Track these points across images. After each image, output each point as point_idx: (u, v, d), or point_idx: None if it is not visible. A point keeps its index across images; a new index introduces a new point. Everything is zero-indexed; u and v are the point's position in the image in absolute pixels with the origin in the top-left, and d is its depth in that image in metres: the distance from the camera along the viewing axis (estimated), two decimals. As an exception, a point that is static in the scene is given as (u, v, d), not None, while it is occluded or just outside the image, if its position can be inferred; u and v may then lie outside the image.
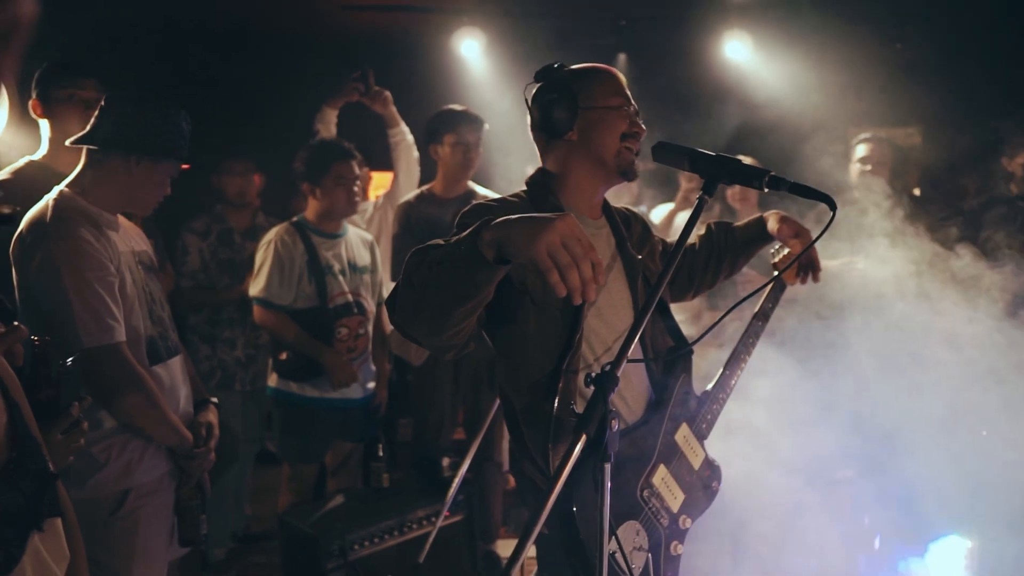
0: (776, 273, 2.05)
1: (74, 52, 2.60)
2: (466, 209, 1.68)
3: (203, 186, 3.86)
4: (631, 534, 1.61)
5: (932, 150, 5.41)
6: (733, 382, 1.90)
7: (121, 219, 2.10)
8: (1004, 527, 2.91)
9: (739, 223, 2.12)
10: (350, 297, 3.15)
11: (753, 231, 2.05)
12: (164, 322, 2.10)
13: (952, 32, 4.55)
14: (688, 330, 2.29)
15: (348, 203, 3.13)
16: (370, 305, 3.24)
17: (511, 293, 1.59)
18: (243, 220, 3.81)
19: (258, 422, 3.81)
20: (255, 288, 3.11)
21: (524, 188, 1.77)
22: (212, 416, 2.18)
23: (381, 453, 3.13)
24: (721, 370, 1.91)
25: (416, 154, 3.80)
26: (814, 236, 1.61)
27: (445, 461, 3.36)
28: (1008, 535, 2.91)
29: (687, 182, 4.13)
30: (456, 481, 2.79)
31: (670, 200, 4.38)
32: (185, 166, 2.12)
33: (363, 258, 3.26)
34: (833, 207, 1.43)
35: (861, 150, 4.00)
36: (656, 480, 1.70)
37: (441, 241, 1.43)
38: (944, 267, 3.32)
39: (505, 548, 3.61)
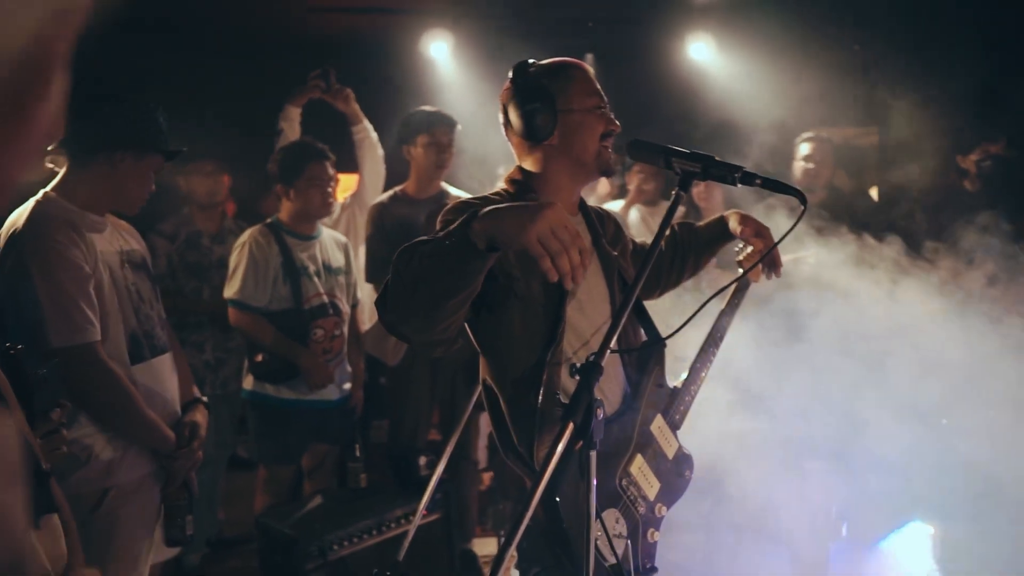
0: (741, 272, 2.11)
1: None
2: (450, 206, 1.70)
3: (167, 187, 3.81)
4: (611, 522, 1.65)
5: (890, 149, 5.58)
6: (703, 375, 1.96)
7: (113, 219, 2.11)
8: (965, 513, 3.02)
9: (701, 223, 2.18)
10: (325, 298, 3.15)
11: (715, 230, 2.12)
12: (152, 321, 2.10)
13: (909, 33, 4.69)
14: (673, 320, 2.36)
15: (323, 204, 3.13)
16: (345, 306, 3.24)
17: (495, 288, 1.62)
18: (212, 223, 3.77)
19: (229, 426, 3.78)
20: (230, 290, 3.09)
21: (503, 187, 1.79)
22: (199, 416, 2.18)
23: (358, 454, 3.13)
24: (691, 363, 1.96)
25: (381, 152, 3.81)
26: (781, 232, 1.67)
27: (422, 460, 3.37)
28: (969, 521, 3.02)
29: (638, 175, 4.19)
30: (433, 480, 2.81)
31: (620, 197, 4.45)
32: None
33: (337, 259, 3.25)
34: (804, 201, 1.48)
35: (804, 149, 4.12)
36: (634, 469, 1.74)
37: (427, 238, 1.46)
38: (900, 261, 3.43)
39: (481, 546, 3.63)
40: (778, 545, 3.10)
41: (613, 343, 1.34)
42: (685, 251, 2.11)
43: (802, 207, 1.48)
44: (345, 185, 4.56)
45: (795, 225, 1.51)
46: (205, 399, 2.25)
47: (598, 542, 1.55)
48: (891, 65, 4.72)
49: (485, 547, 3.66)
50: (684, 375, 1.95)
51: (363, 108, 3.93)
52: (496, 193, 1.78)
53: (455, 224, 1.39)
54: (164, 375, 2.09)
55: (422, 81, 4.94)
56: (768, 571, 3.05)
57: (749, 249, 2.22)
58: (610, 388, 1.77)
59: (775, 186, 1.51)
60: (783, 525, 3.06)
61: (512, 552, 1.18)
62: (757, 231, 2.03)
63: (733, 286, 2.07)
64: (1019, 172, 3.69)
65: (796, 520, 3.13)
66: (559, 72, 1.74)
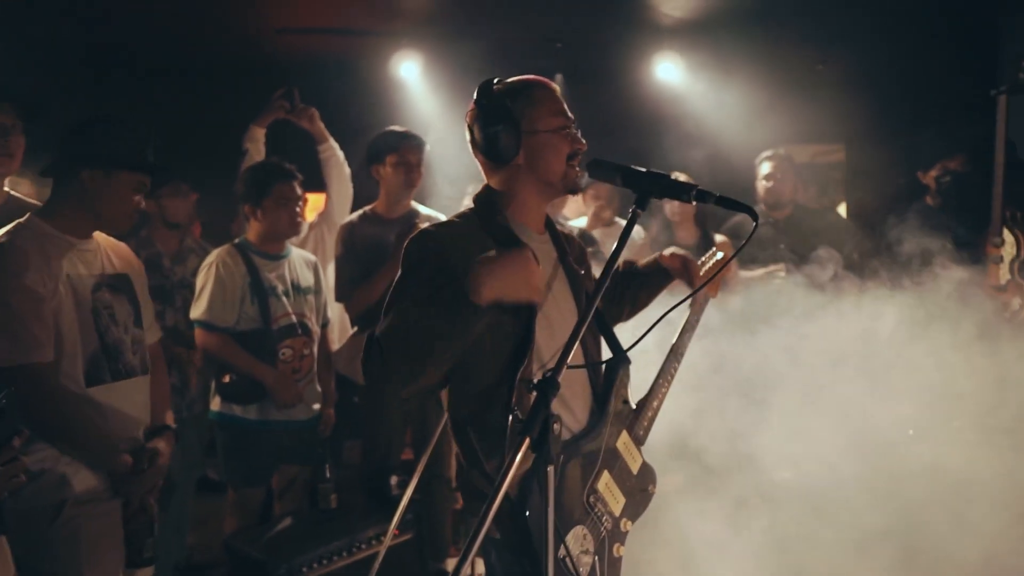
0: (692, 292, 2.14)
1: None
2: (411, 238, 1.72)
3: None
4: (579, 539, 1.66)
5: (856, 166, 5.69)
6: (665, 390, 1.99)
7: (105, 240, 2.14)
8: (936, 523, 3.06)
9: (641, 261, 2.23)
10: (294, 318, 3.14)
11: (650, 266, 2.17)
12: (123, 344, 2.09)
13: (871, 51, 4.81)
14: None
15: (290, 224, 3.13)
16: (314, 326, 3.23)
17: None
18: (171, 243, 3.70)
19: (196, 448, 3.73)
20: (196, 310, 3.07)
21: (470, 206, 1.81)
22: (162, 444, 2.16)
23: (328, 474, 3.11)
24: (654, 379, 1.99)
25: (348, 170, 3.82)
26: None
27: (393, 480, 3.36)
28: (940, 530, 3.06)
29: (595, 202, 4.25)
30: (404, 499, 2.80)
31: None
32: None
33: (307, 279, 3.25)
34: (755, 218, 1.51)
35: (765, 167, 4.24)
36: (600, 486, 1.75)
37: (409, 302, 1.58)
38: (865, 276, 3.50)
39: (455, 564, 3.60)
40: (751, 560, 3.12)
41: (571, 359, 1.36)
42: (623, 290, 2.16)
43: (754, 224, 1.51)
44: (313, 205, 4.57)
45: (747, 242, 1.54)
46: (174, 426, 2.23)
47: (564, 560, 1.56)
48: (854, 83, 4.83)
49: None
50: (647, 391, 1.97)
51: (333, 128, 3.95)
52: (460, 215, 1.80)
53: (449, 290, 1.52)
54: (127, 399, 2.07)
55: (392, 101, 4.97)
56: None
57: (708, 253, 2.30)
58: (578, 406, 1.78)
59: (729, 204, 1.54)
60: (757, 537, 3.08)
61: (468, 569, 1.18)
62: (682, 263, 2.11)
63: (689, 300, 2.11)
64: (976, 187, 3.78)
65: (768, 533, 3.15)
66: (523, 92, 1.75)
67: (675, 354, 2.05)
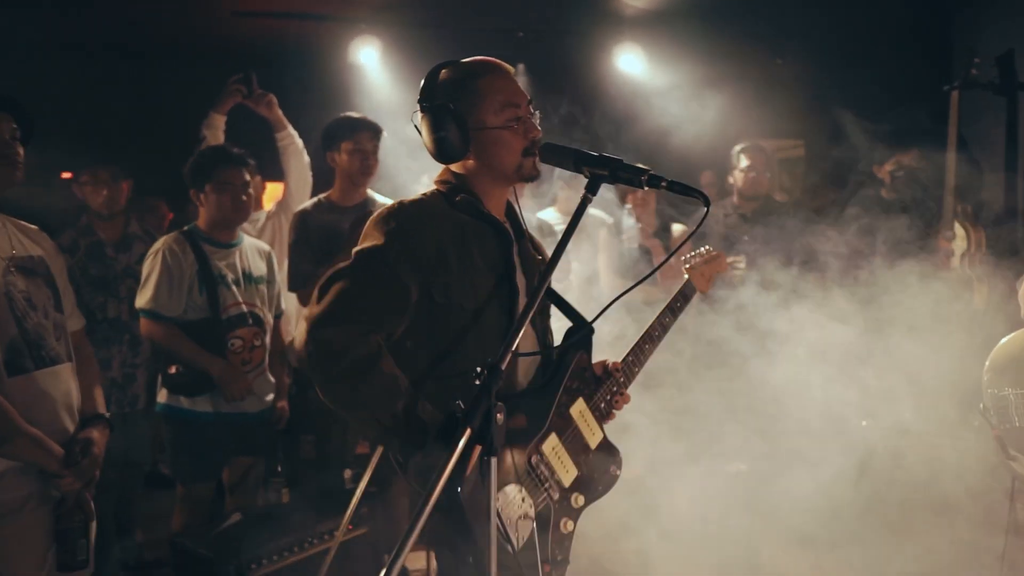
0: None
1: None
2: (376, 221, 1.70)
3: (61, 196, 3.65)
4: (515, 499, 1.60)
5: (814, 161, 5.75)
6: (636, 370, 1.97)
7: (13, 222, 2.03)
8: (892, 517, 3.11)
9: None
10: (244, 308, 3.06)
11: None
12: (44, 330, 1.98)
13: (828, 47, 4.86)
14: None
15: (234, 210, 3.04)
16: (267, 316, 3.15)
17: (429, 307, 1.64)
18: (114, 231, 3.54)
19: (143, 443, 3.62)
20: (142, 299, 2.97)
21: (435, 188, 1.78)
22: (95, 433, 2.06)
23: (280, 468, 3.04)
24: (624, 357, 1.96)
25: (307, 159, 3.75)
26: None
27: (347, 473, 3.29)
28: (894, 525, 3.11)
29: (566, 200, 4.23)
30: (358, 493, 2.74)
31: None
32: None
33: (259, 268, 3.17)
34: (707, 203, 1.50)
35: (743, 159, 4.24)
36: (547, 448, 1.70)
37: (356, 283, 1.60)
38: (826, 270, 3.53)
39: (413, 560, 3.56)
40: (711, 551, 3.13)
41: (528, 343, 1.33)
42: None
43: (705, 209, 1.49)
44: (272, 194, 4.47)
45: (698, 227, 1.52)
46: (107, 415, 2.13)
47: (499, 518, 1.51)
48: (811, 79, 4.88)
49: (417, 561, 3.59)
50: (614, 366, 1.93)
51: (291, 114, 3.86)
52: (427, 194, 1.77)
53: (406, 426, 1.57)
54: (53, 388, 1.97)
55: (350, 88, 4.88)
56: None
57: (700, 254, 2.31)
58: (524, 371, 1.75)
59: (680, 188, 1.52)
60: (714, 529, 3.10)
61: (407, 554, 1.13)
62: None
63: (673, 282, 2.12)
64: (928, 180, 3.84)
65: (726, 523, 3.17)
66: (468, 87, 1.71)
67: (650, 336, 2.03)
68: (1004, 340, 2.08)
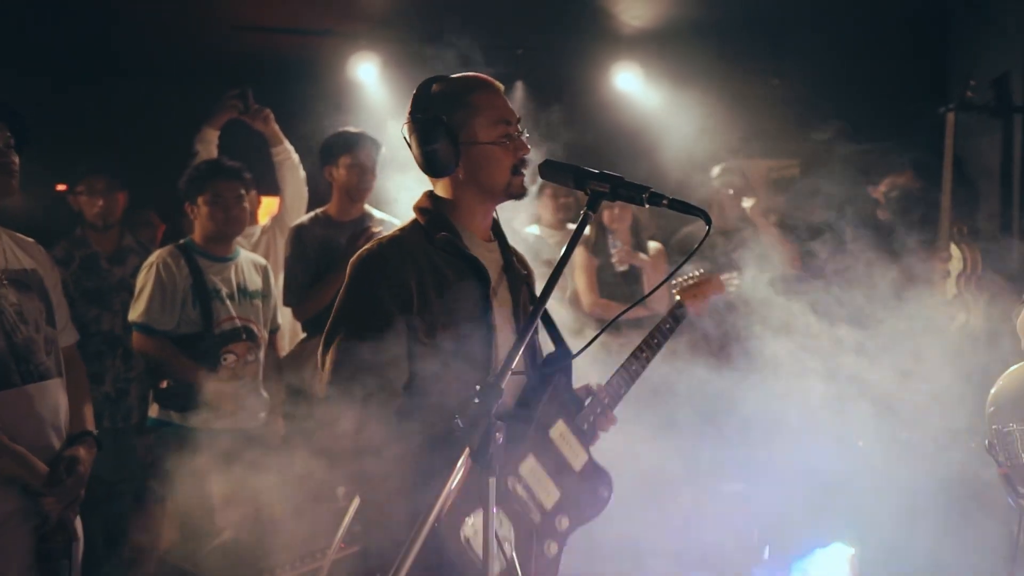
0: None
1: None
2: (357, 259, 1.68)
3: (57, 207, 3.62)
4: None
5: (809, 182, 5.76)
6: (623, 391, 1.95)
7: (9, 235, 2.01)
8: (883, 533, 3.09)
9: None
10: (238, 322, 3.03)
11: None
12: (34, 344, 1.95)
13: (825, 67, 4.89)
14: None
15: (229, 223, 3.02)
16: (261, 331, 3.13)
17: (412, 348, 1.63)
18: (109, 243, 3.52)
19: (134, 459, 3.57)
20: (134, 313, 2.95)
21: (415, 217, 1.75)
22: (81, 451, 2.02)
23: (272, 485, 3.00)
24: (609, 377, 1.95)
25: (303, 174, 3.74)
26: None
27: (340, 490, 3.25)
28: (886, 539, 3.09)
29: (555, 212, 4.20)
30: (351, 510, 2.71)
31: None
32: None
33: (255, 283, 3.14)
34: (708, 222, 1.49)
35: (723, 179, 4.25)
36: (524, 470, 1.68)
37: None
38: (819, 286, 3.53)
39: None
40: (701, 570, 3.11)
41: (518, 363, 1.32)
42: None
43: (707, 227, 1.48)
44: (267, 208, 4.46)
45: (700, 245, 1.52)
46: (94, 432, 2.10)
47: (470, 542, 1.49)
48: (807, 98, 4.91)
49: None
50: (599, 387, 1.93)
51: (288, 129, 3.86)
52: (404, 228, 1.75)
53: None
54: (40, 403, 1.94)
55: (349, 104, 4.88)
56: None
57: (692, 279, 2.29)
58: (508, 390, 1.73)
59: (681, 207, 1.52)
60: (706, 549, 3.07)
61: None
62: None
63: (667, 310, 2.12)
64: (924, 202, 3.86)
65: (718, 543, 3.14)
66: (460, 100, 1.69)
67: (637, 358, 2.01)
68: (1006, 373, 2.03)
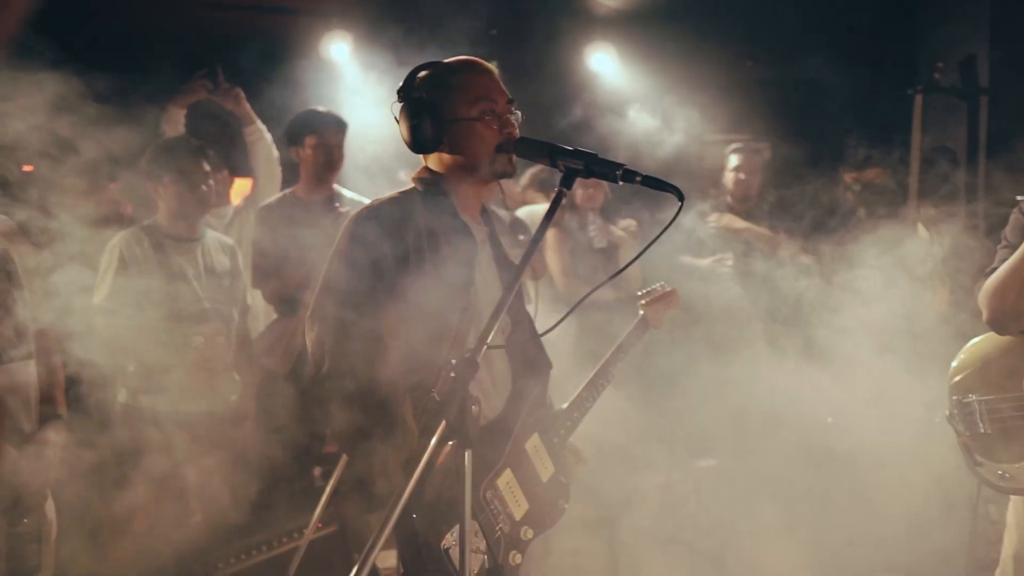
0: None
1: None
2: (356, 216, 1.72)
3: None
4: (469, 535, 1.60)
5: (781, 165, 5.83)
6: (589, 404, 2.00)
7: None
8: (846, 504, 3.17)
9: None
10: (206, 304, 2.98)
11: None
12: (3, 326, 1.90)
13: (797, 49, 4.93)
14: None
15: (195, 203, 2.95)
16: (230, 312, 3.07)
17: (400, 308, 1.63)
18: None
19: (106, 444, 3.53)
20: (98, 295, 2.89)
21: (413, 186, 1.79)
22: (51, 434, 1.99)
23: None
24: (579, 391, 2.00)
25: (276, 153, 3.69)
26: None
27: (316, 471, 3.25)
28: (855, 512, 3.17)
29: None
30: (327, 491, 2.71)
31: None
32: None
33: (222, 264, 3.08)
34: (681, 198, 1.50)
35: (734, 160, 4.25)
36: (501, 483, 1.71)
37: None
38: (808, 272, 3.58)
39: (384, 559, 3.53)
40: (679, 545, 3.16)
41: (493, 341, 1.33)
42: None
43: (679, 203, 1.49)
44: (240, 189, 4.40)
45: (672, 221, 1.53)
46: (63, 414, 2.07)
47: (449, 551, 1.52)
48: (780, 82, 4.95)
49: (388, 559, 3.56)
50: (569, 401, 1.99)
51: (261, 109, 3.79)
52: (405, 192, 1.78)
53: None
54: (9, 387, 1.90)
55: (322, 83, 4.83)
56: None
57: (657, 287, 2.35)
58: (494, 398, 1.76)
59: (655, 183, 1.52)
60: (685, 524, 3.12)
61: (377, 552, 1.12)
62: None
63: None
64: (891, 190, 3.92)
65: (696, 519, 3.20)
66: (445, 79, 1.74)
67: (604, 372, 2.06)
68: (967, 347, 2.09)
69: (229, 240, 3.23)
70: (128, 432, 3.03)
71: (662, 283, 2.45)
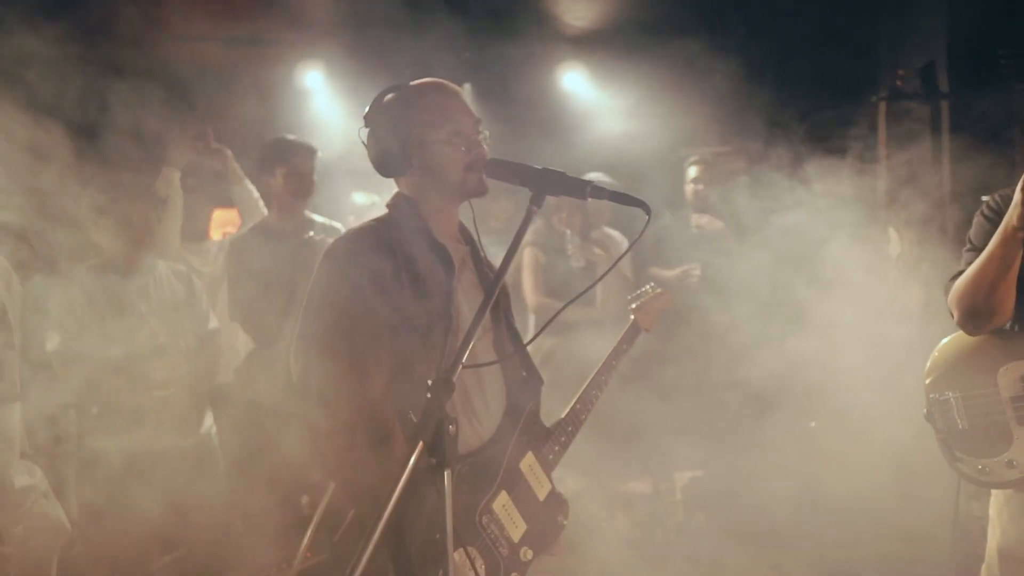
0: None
1: None
2: (332, 253, 1.71)
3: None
4: (464, 565, 1.57)
5: (754, 174, 5.91)
6: (583, 417, 1.97)
7: None
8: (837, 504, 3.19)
9: None
10: (161, 337, 2.90)
11: None
12: None
13: (763, 61, 5.03)
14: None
15: (136, 242, 2.85)
16: (187, 344, 2.99)
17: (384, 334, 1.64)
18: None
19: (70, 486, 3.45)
20: (51, 341, 2.78)
21: (387, 212, 1.79)
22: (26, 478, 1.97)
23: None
24: (571, 404, 1.98)
25: (265, 211, 3.56)
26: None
27: (304, 499, 3.23)
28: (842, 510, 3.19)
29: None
30: (316, 518, 2.70)
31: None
32: None
33: (176, 293, 3.00)
34: (648, 212, 1.53)
35: (692, 171, 4.31)
36: (497, 507, 1.69)
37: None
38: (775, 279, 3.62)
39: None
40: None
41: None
42: None
43: (647, 217, 1.52)
44: (220, 220, 4.39)
45: (641, 234, 1.56)
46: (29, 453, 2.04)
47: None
48: (747, 92, 5.04)
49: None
50: (563, 415, 1.96)
51: (236, 140, 3.78)
52: (380, 219, 1.78)
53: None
54: None
55: (297, 112, 4.86)
56: None
57: (645, 295, 2.34)
58: (486, 418, 1.74)
59: (622, 199, 1.55)
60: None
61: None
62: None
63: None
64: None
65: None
66: (411, 102, 1.73)
67: (597, 383, 2.04)
68: (940, 345, 2.13)
69: (183, 268, 3.13)
70: (97, 473, 2.96)
71: (651, 284, 2.45)
